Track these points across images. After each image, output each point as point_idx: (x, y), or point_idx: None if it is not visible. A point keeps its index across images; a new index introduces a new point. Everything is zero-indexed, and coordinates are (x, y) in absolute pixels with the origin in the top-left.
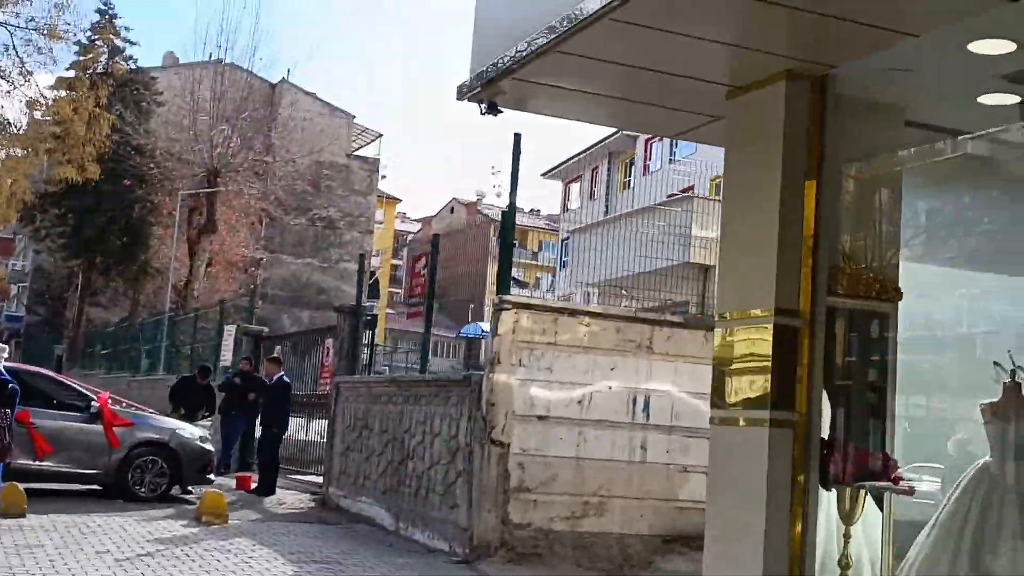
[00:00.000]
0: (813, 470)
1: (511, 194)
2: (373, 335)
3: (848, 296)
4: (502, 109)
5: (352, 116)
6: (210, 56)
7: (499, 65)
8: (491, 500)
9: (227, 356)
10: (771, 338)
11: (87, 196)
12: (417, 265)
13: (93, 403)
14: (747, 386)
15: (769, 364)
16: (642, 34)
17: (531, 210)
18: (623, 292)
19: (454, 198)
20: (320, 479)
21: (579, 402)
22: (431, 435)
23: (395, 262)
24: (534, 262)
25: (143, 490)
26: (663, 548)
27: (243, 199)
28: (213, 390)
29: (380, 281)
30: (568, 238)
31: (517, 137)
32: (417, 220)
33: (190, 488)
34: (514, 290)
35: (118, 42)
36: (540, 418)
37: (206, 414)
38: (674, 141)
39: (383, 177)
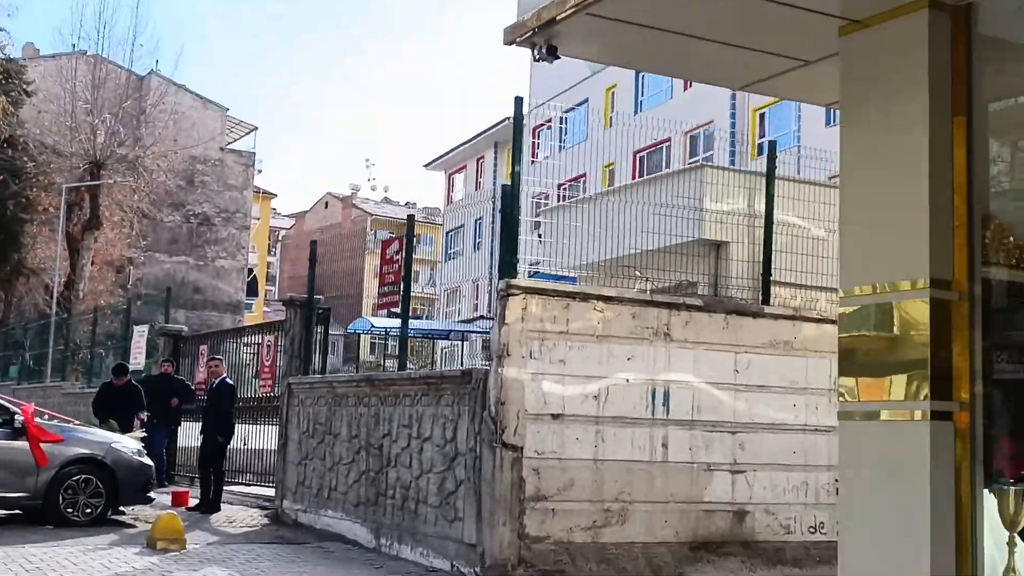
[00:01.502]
0: (978, 468)
1: (514, 164)
2: (327, 331)
3: (995, 265)
4: (560, 55)
5: (225, 109)
6: (74, 46)
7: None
8: (505, 511)
9: (139, 359)
10: (927, 316)
11: None
12: (388, 250)
13: (16, 416)
14: (896, 374)
15: (926, 347)
16: None
17: (407, 203)
18: (637, 273)
19: (328, 192)
20: (263, 490)
21: (595, 397)
22: (419, 439)
23: (269, 259)
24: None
25: (76, 514)
26: (691, 556)
27: (126, 192)
28: (139, 389)
29: (258, 279)
30: (538, 218)
31: (518, 101)
32: (289, 216)
33: (122, 508)
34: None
35: None
36: (554, 417)
37: (142, 417)
38: (563, 129)
39: (259, 171)
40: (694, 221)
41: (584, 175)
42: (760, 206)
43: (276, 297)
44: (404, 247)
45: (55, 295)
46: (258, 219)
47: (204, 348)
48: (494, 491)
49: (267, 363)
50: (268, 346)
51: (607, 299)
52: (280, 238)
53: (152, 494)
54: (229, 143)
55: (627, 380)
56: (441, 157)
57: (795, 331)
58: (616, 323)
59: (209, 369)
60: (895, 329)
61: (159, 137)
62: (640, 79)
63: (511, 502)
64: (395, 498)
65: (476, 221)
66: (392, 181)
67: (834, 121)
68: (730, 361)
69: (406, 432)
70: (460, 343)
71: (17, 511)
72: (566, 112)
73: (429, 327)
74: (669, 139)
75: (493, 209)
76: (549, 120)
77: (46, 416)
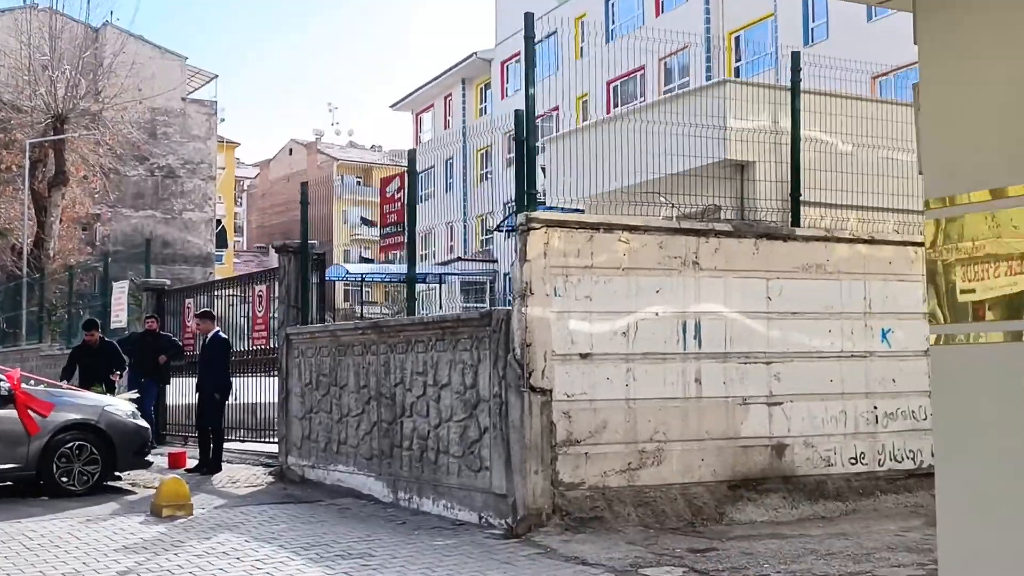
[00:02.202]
0: None
1: (527, 85)
2: (323, 277)
3: None
4: None
5: (184, 57)
6: (24, 0)
7: None
8: (536, 459)
9: (120, 316)
10: None
11: None
12: (388, 188)
13: (1, 384)
14: (999, 290)
15: None
16: None
17: (372, 146)
18: (662, 199)
19: (292, 139)
20: (263, 446)
21: (624, 334)
22: (436, 387)
23: (235, 210)
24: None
25: (72, 483)
26: (731, 496)
27: (91, 147)
28: (114, 346)
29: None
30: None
31: (528, 17)
32: (253, 165)
33: (118, 474)
34: (362, 229)
35: None
36: (583, 356)
37: (118, 372)
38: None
39: (222, 120)
40: (718, 140)
41: (557, 108)
42: (784, 122)
43: (244, 248)
44: (407, 183)
45: (25, 255)
46: (223, 169)
47: (190, 302)
48: (524, 438)
49: (259, 314)
50: (260, 296)
51: (632, 229)
52: (245, 188)
53: (150, 458)
54: (190, 92)
55: (656, 314)
56: (407, 97)
57: (827, 253)
58: (643, 254)
59: (198, 325)
60: (996, 239)
61: (123, 88)
62: (610, 7)
63: (542, 448)
64: (412, 449)
65: (447, 162)
66: (356, 125)
67: (813, 42)
68: (762, 288)
69: (421, 380)
70: (438, 286)
71: (7, 483)
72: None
73: (403, 271)
74: (643, 67)
75: (464, 148)
76: (517, 53)
77: (32, 381)
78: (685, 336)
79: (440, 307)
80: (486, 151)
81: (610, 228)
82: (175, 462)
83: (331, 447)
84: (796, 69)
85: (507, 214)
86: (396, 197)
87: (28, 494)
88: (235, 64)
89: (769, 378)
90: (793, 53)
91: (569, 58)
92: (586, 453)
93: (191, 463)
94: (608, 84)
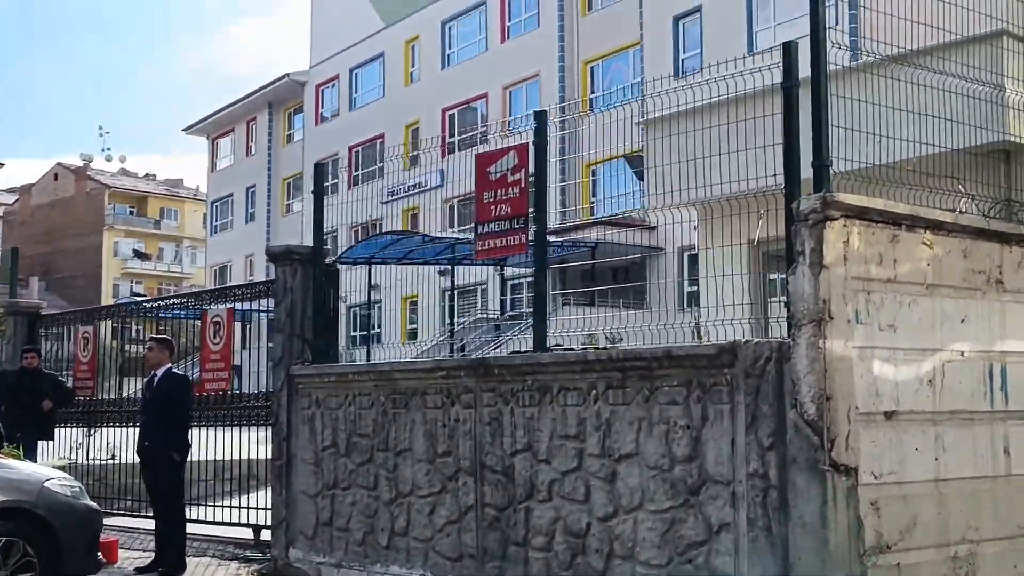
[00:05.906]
0: None
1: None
2: (336, 296)
3: None
4: None
5: None
6: None
7: None
8: (843, 573)
9: None
10: None
11: None
12: (492, 168)
13: None
14: None
15: None
16: None
17: (146, 175)
18: (961, 187)
19: (58, 163)
20: (213, 529)
21: (930, 382)
22: (606, 459)
23: None
24: (157, 231)
25: None
26: None
27: None
28: None
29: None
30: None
31: None
32: (11, 191)
33: None
34: (135, 263)
35: None
36: (887, 415)
37: None
38: (353, 86)
39: None
40: (995, 107)
41: (382, 136)
42: None
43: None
44: (534, 160)
45: None
46: None
47: (86, 331)
48: (828, 544)
49: (214, 347)
50: (216, 322)
51: (938, 227)
52: (1, 215)
53: (101, 555)
54: None
55: (962, 353)
56: (204, 120)
57: None
58: (946, 265)
59: (148, 353)
60: None
61: None
62: (447, 31)
63: (849, 560)
64: (551, 550)
65: (248, 189)
66: (129, 151)
67: (683, 73)
68: None
69: (571, 447)
70: (239, 323)
71: None
72: (356, 68)
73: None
74: (486, 94)
75: (270, 173)
76: (335, 77)
77: None
78: (991, 386)
79: (244, 346)
80: (292, 180)
81: (913, 224)
82: (106, 554)
83: (376, 539)
84: None
85: (352, 244)
86: (508, 179)
87: None
88: None
89: None
90: None
91: (398, 83)
92: (897, 564)
93: (124, 555)
94: (444, 112)
